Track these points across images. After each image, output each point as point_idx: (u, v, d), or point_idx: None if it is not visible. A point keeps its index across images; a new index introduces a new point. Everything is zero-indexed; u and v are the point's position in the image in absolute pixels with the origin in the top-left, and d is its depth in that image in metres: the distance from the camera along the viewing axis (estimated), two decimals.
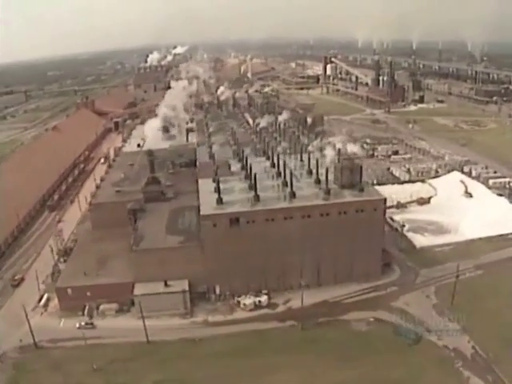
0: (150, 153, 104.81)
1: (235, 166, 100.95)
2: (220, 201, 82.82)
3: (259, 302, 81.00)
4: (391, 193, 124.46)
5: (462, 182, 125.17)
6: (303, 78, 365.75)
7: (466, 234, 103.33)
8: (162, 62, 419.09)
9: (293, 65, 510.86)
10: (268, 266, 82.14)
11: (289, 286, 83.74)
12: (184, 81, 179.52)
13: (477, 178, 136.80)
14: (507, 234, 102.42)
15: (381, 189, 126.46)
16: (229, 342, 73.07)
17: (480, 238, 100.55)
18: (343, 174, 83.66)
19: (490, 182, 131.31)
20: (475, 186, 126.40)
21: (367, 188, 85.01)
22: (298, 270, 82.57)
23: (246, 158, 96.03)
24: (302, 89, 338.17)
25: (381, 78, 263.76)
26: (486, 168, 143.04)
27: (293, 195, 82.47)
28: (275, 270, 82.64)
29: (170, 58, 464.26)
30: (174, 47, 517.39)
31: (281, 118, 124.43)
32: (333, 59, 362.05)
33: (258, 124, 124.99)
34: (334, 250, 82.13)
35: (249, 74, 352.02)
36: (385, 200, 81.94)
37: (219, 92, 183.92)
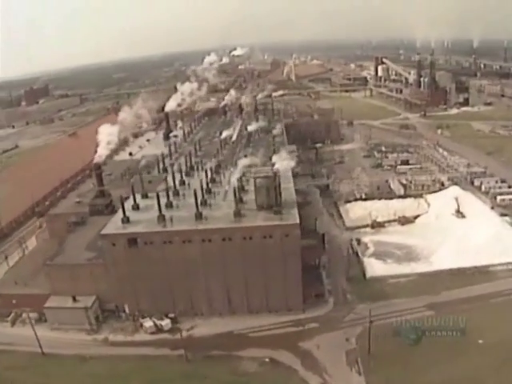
0: (96, 166, 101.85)
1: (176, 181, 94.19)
2: (126, 220, 77.36)
3: (161, 325, 74.66)
4: (373, 209, 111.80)
5: (456, 199, 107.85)
6: (349, 79, 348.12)
7: (436, 262, 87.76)
8: (215, 65, 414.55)
9: (352, 66, 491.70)
10: (174, 289, 75.42)
11: (199, 312, 76.51)
12: (193, 84, 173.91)
13: (485, 193, 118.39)
14: (487, 266, 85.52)
15: (362, 205, 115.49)
16: (112, 364, 69.06)
17: (451, 269, 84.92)
18: (258, 194, 74.06)
19: (498, 198, 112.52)
20: (473, 204, 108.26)
21: (287, 210, 74.27)
22: (206, 296, 74.97)
23: (173, 174, 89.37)
24: (347, 91, 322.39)
25: (422, 79, 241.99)
26: (502, 182, 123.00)
27: (199, 216, 74.56)
28: (182, 294, 75.67)
29: (225, 59, 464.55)
30: (234, 49, 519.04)
31: (250, 128, 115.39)
32: (384, 60, 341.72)
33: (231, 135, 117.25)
34: (244, 278, 73.06)
35: (292, 77, 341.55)
36: (298, 225, 70.68)
37: (226, 97, 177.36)
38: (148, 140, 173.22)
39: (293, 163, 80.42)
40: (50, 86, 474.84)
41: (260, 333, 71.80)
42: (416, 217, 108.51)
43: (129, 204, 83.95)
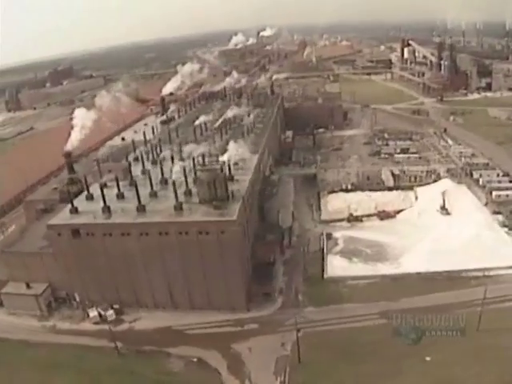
0: (67, 155, 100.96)
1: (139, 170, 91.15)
2: (75, 210, 75.58)
3: (105, 316, 73.74)
4: (354, 202, 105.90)
5: (443, 193, 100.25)
6: (372, 62, 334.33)
7: (405, 264, 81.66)
8: (238, 46, 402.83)
9: (382, 47, 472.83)
10: (118, 280, 73.93)
11: (144, 305, 74.81)
12: (195, 65, 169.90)
13: (483, 187, 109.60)
14: (460, 271, 78.31)
15: (344, 196, 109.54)
16: (52, 352, 68.84)
17: (419, 273, 78.38)
18: (200, 188, 70.29)
19: (494, 194, 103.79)
20: (464, 200, 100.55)
21: (231, 205, 70.12)
22: (149, 289, 73.00)
23: (130, 163, 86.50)
24: (369, 74, 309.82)
25: (442, 62, 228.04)
26: (504, 175, 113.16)
27: (142, 209, 71.71)
28: (126, 286, 74.09)
29: (252, 40, 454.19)
30: (263, 29, 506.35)
31: (230, 114, 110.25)
32: (410, 42, 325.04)
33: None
34: (184, 274, 70.17)
35: (313, 59, 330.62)
36: (235, 222, 66.46)
37: (227, 79, 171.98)
38: (145, 124, 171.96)
39: (247, 153, 75.63)
40: (79, 66, 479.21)
41: (197, 330, 69.12)
42: (399, 211, 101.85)
43: (84, 194, 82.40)
